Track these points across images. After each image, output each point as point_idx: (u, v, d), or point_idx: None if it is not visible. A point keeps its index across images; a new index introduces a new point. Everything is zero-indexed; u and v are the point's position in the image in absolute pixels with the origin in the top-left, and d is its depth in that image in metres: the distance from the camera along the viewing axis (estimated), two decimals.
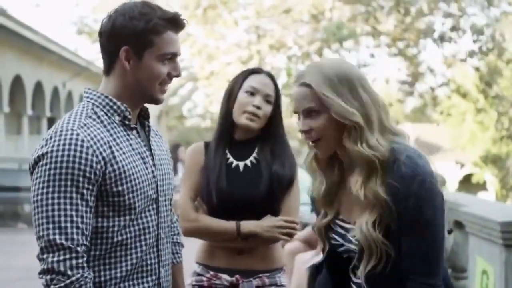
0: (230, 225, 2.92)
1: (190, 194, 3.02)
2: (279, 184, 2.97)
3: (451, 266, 5.59)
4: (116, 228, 2.10)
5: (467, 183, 37.11)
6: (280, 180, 2.97)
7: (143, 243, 2.17)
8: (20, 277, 8.56)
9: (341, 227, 2.27)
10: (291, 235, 2.96)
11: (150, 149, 2.25)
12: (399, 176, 2.07)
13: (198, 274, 3.04)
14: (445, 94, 17.63)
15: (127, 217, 2.12)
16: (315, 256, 6.16)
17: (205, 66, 17.49)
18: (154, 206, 2.22)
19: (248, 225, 2.91)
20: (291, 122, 27.44)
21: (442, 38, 15.35)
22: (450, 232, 5.54)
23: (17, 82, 19.28)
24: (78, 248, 2.01)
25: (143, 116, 2.29)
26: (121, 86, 2.18)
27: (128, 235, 2.13)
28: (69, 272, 1.99)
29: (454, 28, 15.50)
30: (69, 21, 20.13)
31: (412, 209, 2.06)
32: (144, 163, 2.19)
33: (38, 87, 21.38)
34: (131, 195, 2.11)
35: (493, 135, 28.04)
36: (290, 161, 3.04)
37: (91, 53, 26.62)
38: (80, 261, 2.01)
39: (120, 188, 2.09)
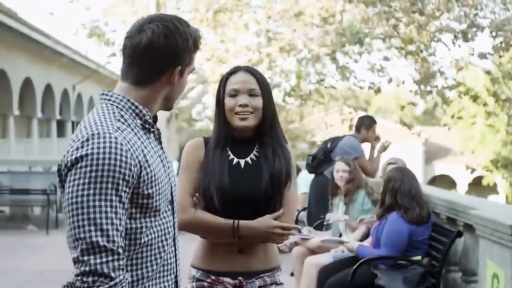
0: (227, 225, 2.92)
1: (189, 189, 3.01)
2: (279, 180, 2.98)
3: (462, 269, 5.56)
4: (144, 230, 2.13)
5: (477, 186, 37.04)
6: (279, 176, 2.98)
7: (164, 243, 2.20)
8: (30, 279, 8.58)
9: None
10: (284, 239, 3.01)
11: (163, 152, 2.29)
12: None
13: (198, 280, 3.01)
14: (455, 96, 17.56)
15: (152, 219, 2.15)
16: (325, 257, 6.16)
17: (215, 69, 17.50)
18: (170, 207, 2.26)
19: (245, 230, 2.92)
20: (301, 125, 27.46)
21: (464, 35, 15.18)
22: (460, 235, 5.52)
23: (27, 85, 19.35)
24: (120, 250, 2.02)
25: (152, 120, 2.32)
26: (154, 97, 2.22)
27: (153, 236, 2.16)
28: (112, 274, 1.99)
29: (472, 25, 15.37)
30: (80, 24, 20.13)
31: None
32: (163, 165, 2.23)
33: (48, 90, 21.46)
34: (157, 197, 2.14)
35: (504, 137, 27.98)
36: (287, 155, 3.05)
37: (101, 56, 26.71)
38: (121, 262, 2.02)
39: (150, 191, 2.11)
